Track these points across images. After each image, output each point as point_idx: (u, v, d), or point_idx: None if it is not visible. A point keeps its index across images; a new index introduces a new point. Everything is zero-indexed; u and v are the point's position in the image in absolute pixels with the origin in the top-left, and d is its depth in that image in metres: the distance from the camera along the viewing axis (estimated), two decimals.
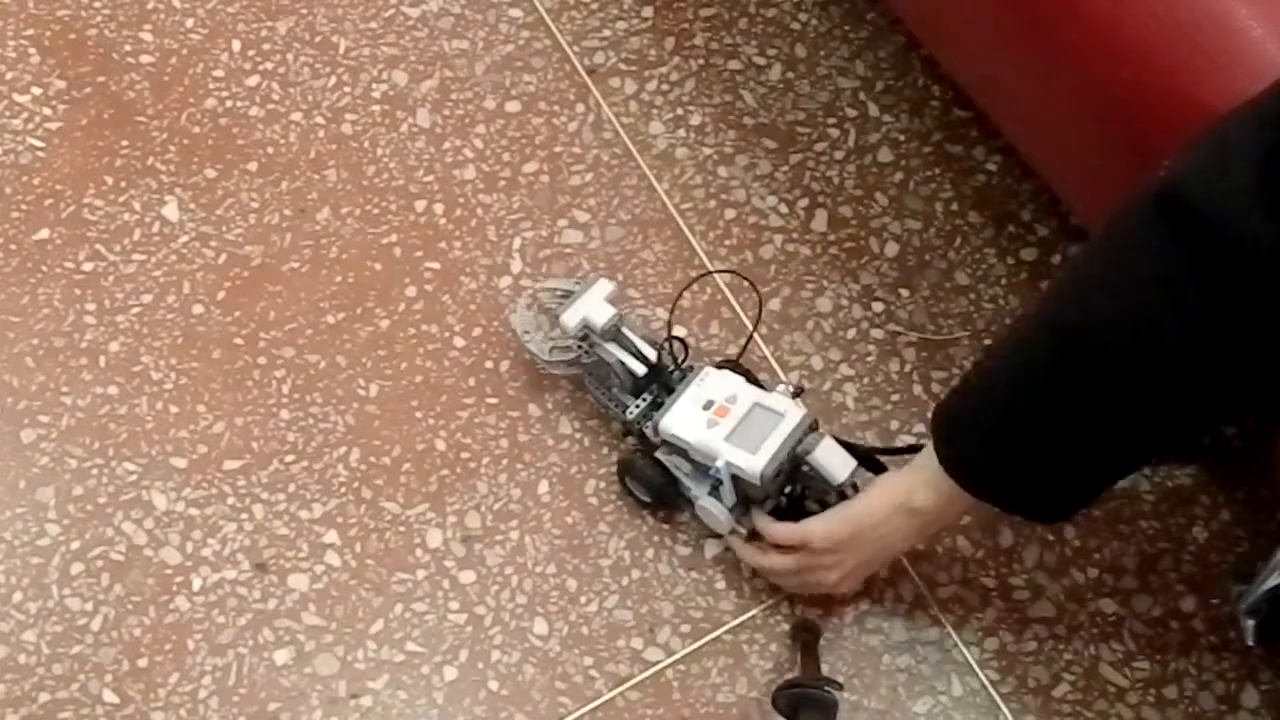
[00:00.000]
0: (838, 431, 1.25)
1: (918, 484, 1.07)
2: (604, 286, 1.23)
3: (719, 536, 1.24)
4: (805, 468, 1.15)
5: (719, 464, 1.14)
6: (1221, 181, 0.83)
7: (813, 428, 1.16)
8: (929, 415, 1.08)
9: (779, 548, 1.17)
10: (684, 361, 1.23)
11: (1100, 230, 0.94)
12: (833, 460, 1.14)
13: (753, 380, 1.22)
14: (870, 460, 1.20)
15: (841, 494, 1.19)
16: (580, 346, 1.24)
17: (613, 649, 1.21)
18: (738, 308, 1.34)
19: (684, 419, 1.17)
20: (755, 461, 1.13)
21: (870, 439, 1.28)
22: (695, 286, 1.34)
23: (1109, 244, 0.92)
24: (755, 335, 1.32)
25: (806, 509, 1.20)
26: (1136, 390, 0.91)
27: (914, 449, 1.26)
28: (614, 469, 1.26)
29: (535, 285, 1.30)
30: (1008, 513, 1.08)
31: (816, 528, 1.13)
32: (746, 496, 1.18)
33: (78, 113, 1.42)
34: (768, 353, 1.32)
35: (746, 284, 1.33)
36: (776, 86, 1.45)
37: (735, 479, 1.15)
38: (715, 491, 1.18)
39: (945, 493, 1.05)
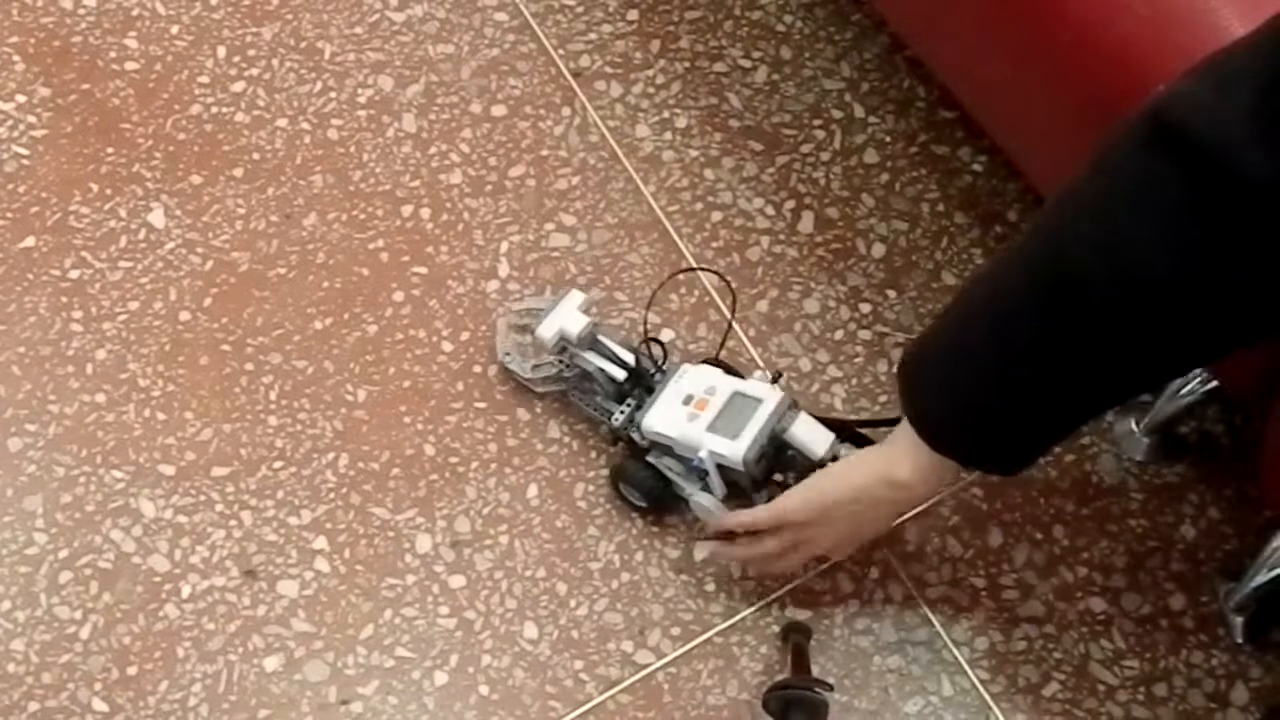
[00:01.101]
0: None
1: (897, 454, 1.05)
2: (576, 297, 1.23)
3: (709, 538, 1.24)
4: (789, 451, 1.16)
5: (701, 454, 1.15)
6: (1218, 106, 0.80)
7: (792, 407, 1.16)
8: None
9: (759, 533, 1.16)
10: (664, 363, 1.23)
11: (1088, 161, 0.90)
12: (811, 436, 1.14)
13: (732, 373, 1.23)
14: (852, 434, 1.20)
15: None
16: (561, 361, 1.25)
17: (603, 652, 1.21)
18: (724, 309, 1.34)
19: (665, 415, 1.18)
20: (736, 447, 1.14)
21: None
22: (682, 289, 1.35)
23: (1097, 171, 0.89)
24: (741, 334, 1.32)
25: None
26: (1118, 321, 0.88)
27: (894, 421, 1.27)
28: (603, 472, 1.26)
29: (510, 307, 1.30)
30: (972, 467, 1.04)
31: (792, 500, 1.12)
32: (739, 488, 1.18)
33: (63, 120, 1.42)
34: (756, 355, 1.32)
35: (728, 284, 1.33)
36: (762, 89, 1.45)
37: (721, 468, 1.16)
38: (707, 486, 1.19)
39: (923, 463, 1.03)
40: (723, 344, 1.29)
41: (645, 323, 1.27)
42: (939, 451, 1.02)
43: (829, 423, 1.16)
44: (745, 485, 1.18)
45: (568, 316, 1.22)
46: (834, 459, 1.16)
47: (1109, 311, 0.88)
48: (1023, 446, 1.01)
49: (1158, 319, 0.87)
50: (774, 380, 1.20)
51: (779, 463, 1.17)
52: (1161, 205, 0.83)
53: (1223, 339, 0.90)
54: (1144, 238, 0.84)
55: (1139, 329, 0.88)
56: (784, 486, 1.19)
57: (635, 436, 1.21)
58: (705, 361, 1.24)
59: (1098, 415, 1.03)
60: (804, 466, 1.16)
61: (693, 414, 1.17)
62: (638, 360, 1.23)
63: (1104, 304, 0.87)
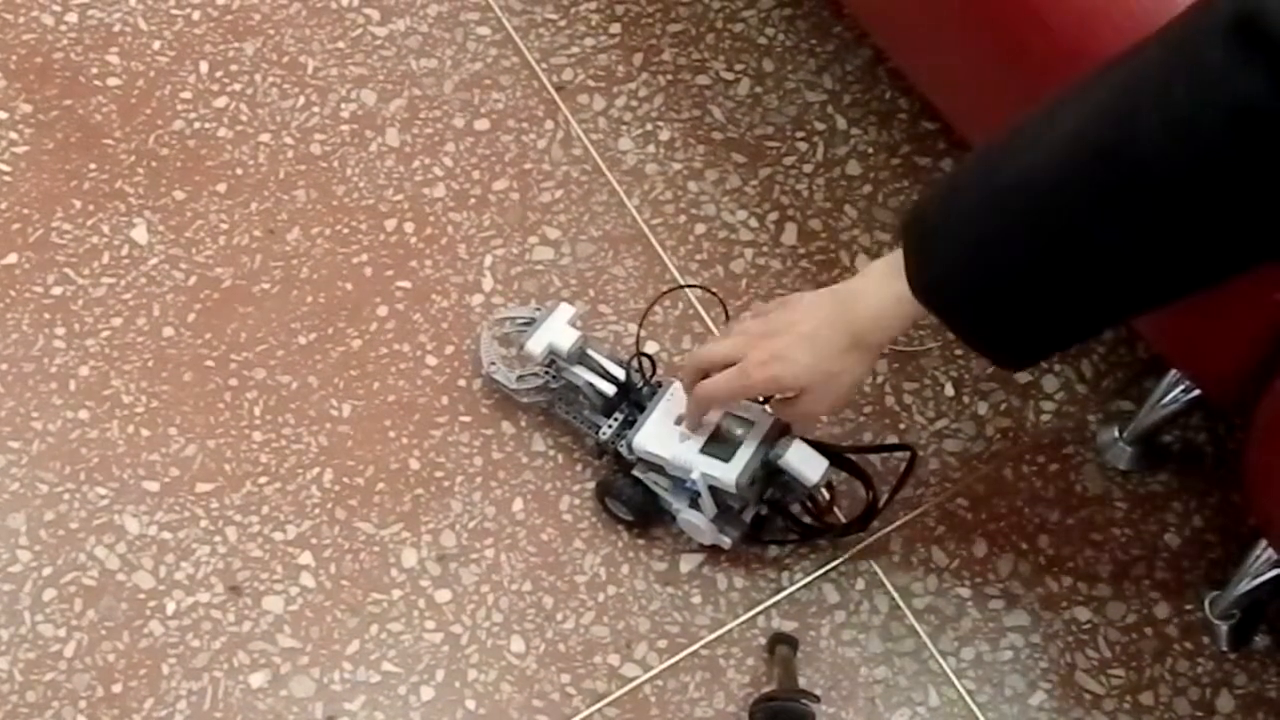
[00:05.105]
0: None
1: (866, 287, 1.02)
2: (565, 311, 1.23)
3: (694, 551, 1.24)
4: (781, 474, 1.16)
5: (694, 476, 1.15)
6: None
7: (784, 431, 1.17)
8: (902, 228, 1.00)
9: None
10: (653, 377, 1.23)
11: (1151, 43, 0.86)
12: (805, 463, 1.14)
13: None
14: (843, 460, 1.20)
15: (813, 497, 1.20)
16: (548, 372, 1.25)
17: (590, 665, 1.21)
18: (709, 322, 1.34)
19: (657, 435, 1.18)
20: (730, 471, 1.13)
21: None
22: (667, 302, 1.35)
23: (1170, 59, 0.85)
24: None
25: (790, 514, 1.20)
26: (1184, 210, 0.84)
27: (887, 448, 1.27)
28: (589, 486, 1.26)
29: (494, 316, 1.31)
30: (973, 346, 0.99)
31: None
32: (727, 505, 1.18)
33: (45, 136, 1.42)
34: None
35: (716, 298, 1.33)
36: (745, 101, 1.46)
37: (713, 489, 1.16)
38: (695, 504, 1.19)
39: (892, 298, 0.99)
40: None
41: (638, 339, 1.27)
42: (943, 320, 0.97)
43: (822, 448, 1.17)
44: (736, 506, 1.19)
45: (557, 331, 1.22)
46: (829, 486, 1.16)
47: (1176, 201, 0.85)
48: (1040, 335, 0.96)
49: (1228, 212, 0.84)
50: (765, 401, 1.20)
51: (770, 484, 1.18)
52: (1242, 109, 0.80)
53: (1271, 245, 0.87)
54: (1221, 139, 0.81)
55: (1206, 220, 0.85)
56: (775, 506, 1.20)
57: (623, 451, 1.21)
58: None
59: (1130, 315, 0.98)
60: (798, 491, 1.17)
61: (684, 434, 1.17)
62: (627, 375, 1.23)
63: (1172, 193, 0.84)
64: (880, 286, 1.01)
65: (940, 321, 0.98)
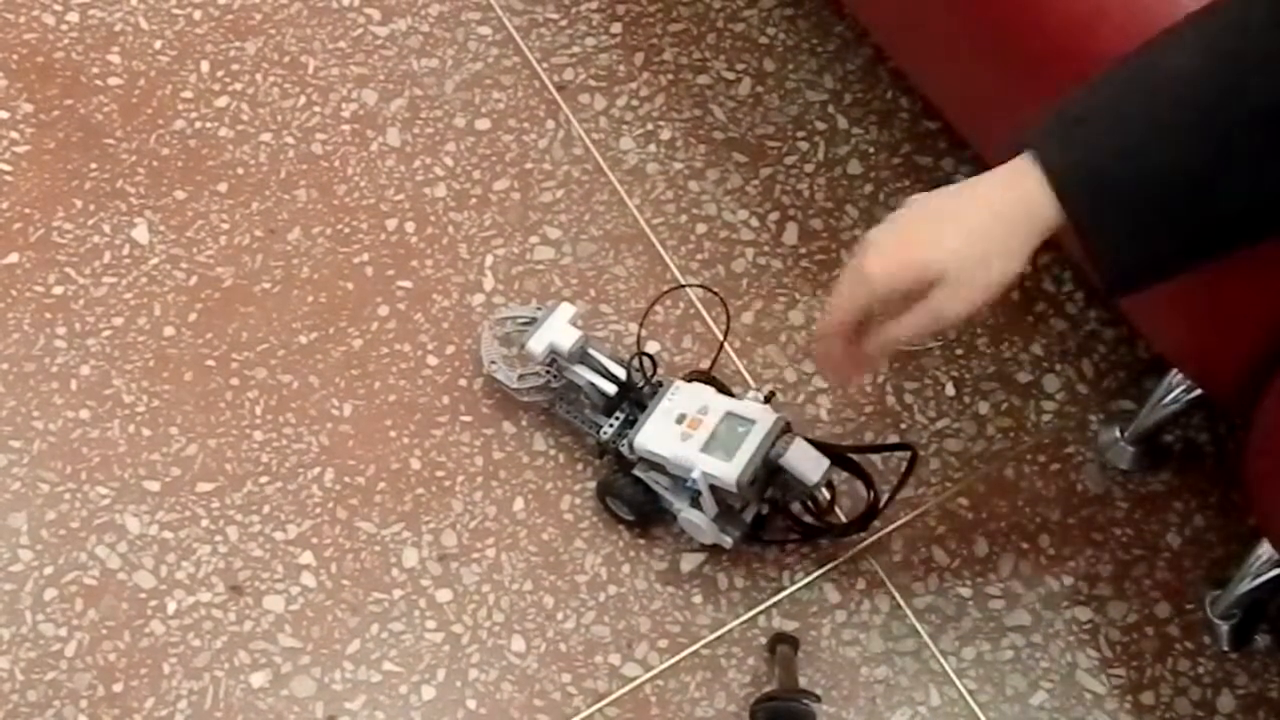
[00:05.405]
0: None
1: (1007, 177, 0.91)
2: (566, 310, 1.23)
3: (695, 550, 1.24)
4: (782, 474, 1.16)
5: (695, 475, 1.15)
6: None
7: (785, 430, 1.17)
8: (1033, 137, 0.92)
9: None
10: (654, 377, 1.23)
11: None
12: (805, 462, 1.14)
13: (724, 390, 1.23)
14: (844, 459, 1.20)
15: (814, 496, 1.20)
16: (549, 372, 1.25)
17: (590, 665, 1.21)
18: (710, 321, 1.34)
19: (658, 434, 1.18)
20: (730, 470, 1.14)
21: None
22: (668, 301, 1.35)
23: None
24: (727, 348, 1.32)
25: (790, 513, 1.20)
26: None
27: (888, 448, 1.27)
28: (589, 485, 1.26)
29: (495, 315, 1.31)
30: (1101, 250, 0.90)
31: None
32: (728, 504, 1.18)
33: (46, 136, 1.42)
34: (741, 366, 1.32)
35: (718, 297, 1.33)
36: (745, 100, 1.46)
37: (714, 489, 1.16)
38: (696, 503, 1.19)
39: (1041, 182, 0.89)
40: (714, 361, 1.28)
41: (639, 338, 1.27)
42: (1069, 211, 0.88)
43: (823, 447, 1.17)
44: (737, 505, 1.19)
45: (558, 330, 1.22)
46: (829, 485, 1.15)
47: None
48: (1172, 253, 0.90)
49: None
50: (766, 400, 1.20)
51: (771, 483, 1.18)
52: None
53: None
54: None
55: None
56: (775, 505, 1.20)
57: (623, 450, 1.21)
58: (695, 377, 1.24)
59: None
60: (799, 490, 1.17)
61: (685, 433, 1.17)
62: (628, 374, 1.23)
63: None
64: (1025, 172, 0.91)
65: (1075, 216, 0.89)
